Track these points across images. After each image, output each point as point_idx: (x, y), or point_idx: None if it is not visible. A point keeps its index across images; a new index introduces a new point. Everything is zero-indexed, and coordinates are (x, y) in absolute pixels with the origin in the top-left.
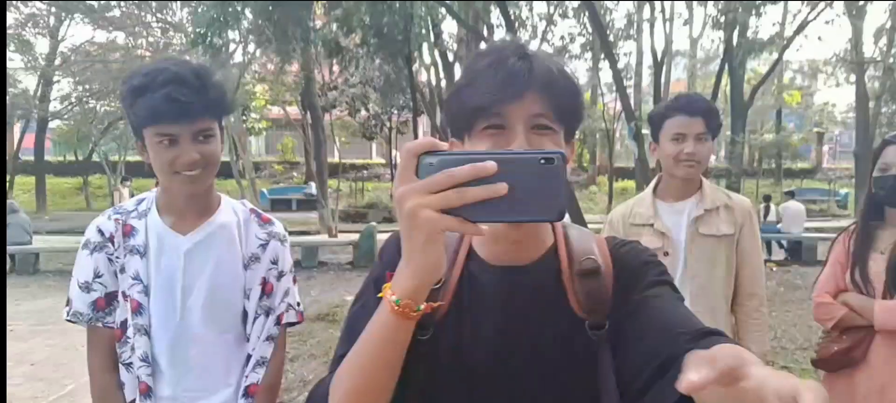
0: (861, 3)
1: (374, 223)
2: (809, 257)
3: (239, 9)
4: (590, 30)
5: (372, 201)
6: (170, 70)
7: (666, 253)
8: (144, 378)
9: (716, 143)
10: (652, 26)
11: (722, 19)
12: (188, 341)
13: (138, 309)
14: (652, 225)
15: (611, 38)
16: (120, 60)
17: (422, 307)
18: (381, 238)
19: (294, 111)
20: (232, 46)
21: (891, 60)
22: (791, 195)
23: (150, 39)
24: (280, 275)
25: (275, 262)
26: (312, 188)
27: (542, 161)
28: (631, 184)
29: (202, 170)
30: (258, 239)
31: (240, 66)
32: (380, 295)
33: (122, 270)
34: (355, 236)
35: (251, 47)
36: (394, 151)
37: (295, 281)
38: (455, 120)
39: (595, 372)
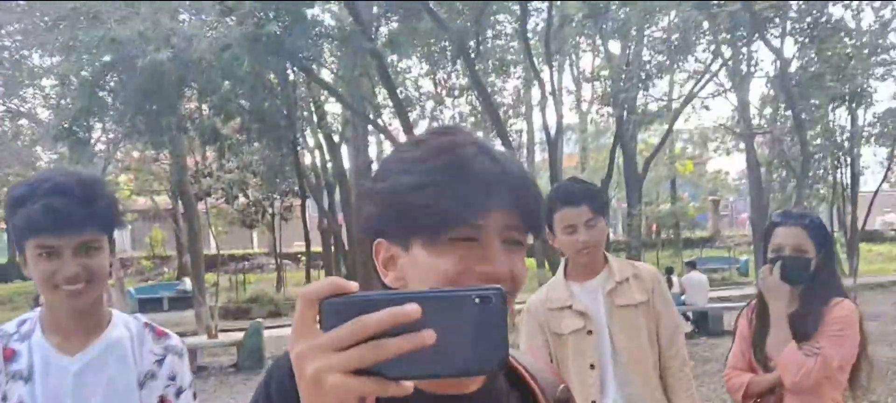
0: (743, 74)
1: (259, 319)
2: (716, 327)
3: (108, 99)
4: (480, 109)
5: (255, 295)
6: (53, 180)
7: (589, 332)
8: None
9: (610, 216)
10: (543, 105)
11: (610, 96)
12: None
13: None
14: (570, 306)
15: (500, 116)
16: None
17: None
18: (269, 336)
19: (163, 201)
20: (95, 135)
21: (777, 127)
22: (692, 265)
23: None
24: (179, 392)
25: (173, 378)
26: (186, 284)
27: (478, 300)
28: (531, 262)
29: (85, 285)
30: (153, 355)
31: (103, 155)
32: None
33: (5, 398)
34: (239, 335)
35: (111, 137)
36: (277, 239)
37: (195, 396)
38: (400, 222)
39: None
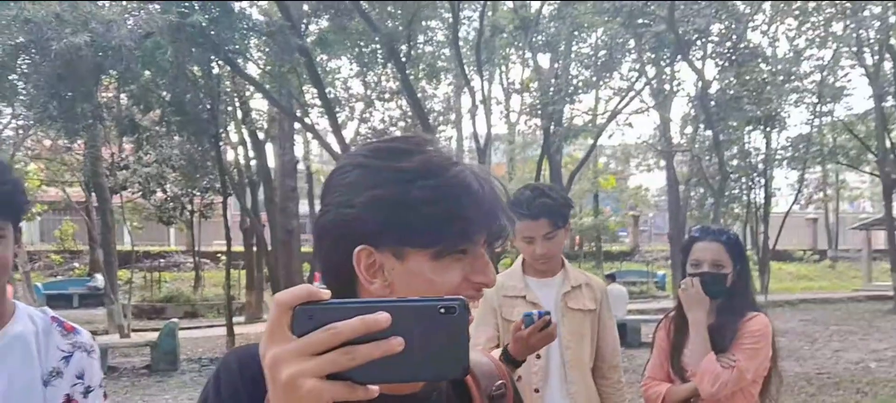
0: (666, 94)
1: (174, 319)
2: (633, 339)
3: (18, 83)
4: (410, 113)
5: (170, 294)
6: None
7: None
8: None
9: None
10: (473, 113)
11: (538, 107)
12: None
13: None
14: (524, 297)
15: (431, 121)
16: None
17: None
18: (184, 337)
19: (75, 193)
20: (3, 121)
21: (696, 146)
22: (612, 278)
23: None
24: (87, 391)
25: (80, 376)
26: (98, 280)
27: (443, 310)
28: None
29: None
30: (60, 351)
31: (12, 142)
32: None
33: None
34: (153, 335)
35: (22, 121)
36: (196, 236)
37: (105, 396)
38: (400, 232)
39: None
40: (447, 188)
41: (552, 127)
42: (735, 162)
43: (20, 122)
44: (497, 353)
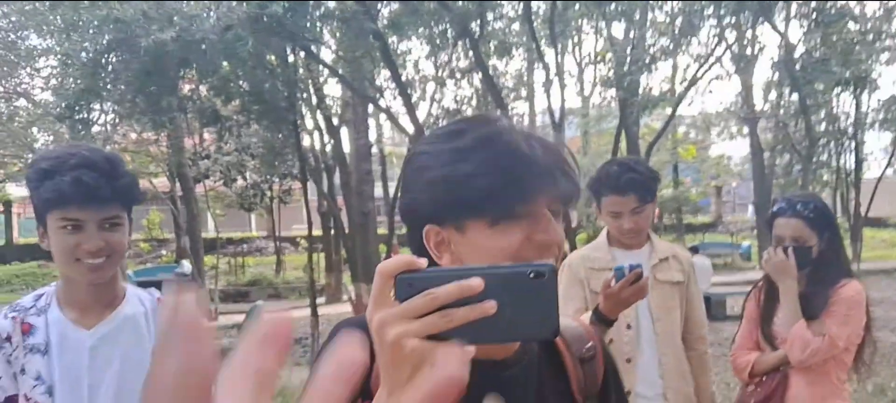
0: (748, 56)
1: (259, 302)
2: (719, 313)
3: (110, 80)
4: (481, 92)
5: (254, 278)
6: (81, 154)
7: None
8: None
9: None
10: (548, 87)
11: (614, 78)
12: None
13: None
14: (611, 269)
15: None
16: None
17: None
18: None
19: (160, 183)
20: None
21: (781, 112)
22: (695, 251)
23: None
24: None
25: None
26: (185, 267)
27: (532, 275)
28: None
29: (106, 260)
30: None
31: (101, 137)
32: None
33: (23, 371)
34: (240, 317)
35: (110, 118)
36: (276, 222)
37: None
38: (456, 208)
39: None
40: (495, 157)
41: (628, 97)
42: (822, 127)
43: (109, 117)
44: (587, 318)
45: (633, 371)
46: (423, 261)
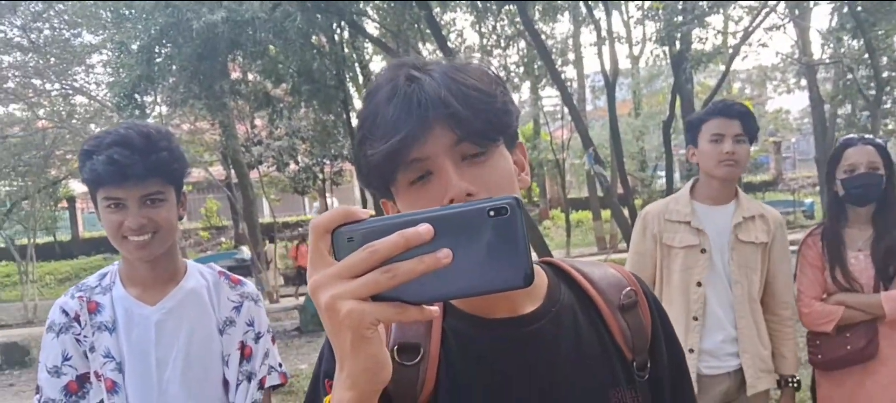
0: (804, 3)
1: None
2: None
3: (165, 65)
4: (526, 59)
5: None
6: (117, 132)
7: (703, 251)
8: None
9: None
10: (599, 46)
11: (665, 35)
12: None
13: (113, 388)
14: (689, 222)
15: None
16: (19, 134)
17: None
18: None
19: (216, 171)
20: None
21: (844, 58)
22: None
23: (55, 109)
24: (257, 337)
25: (251, 324)
26: (244, 252)
27: (491, 212)
28: (586, 214)
29: (151, 236)
30: (231, 302)
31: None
32: None
33: (92, 349)
34: (299, 299)
35: (164, 108)
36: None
37: (274, 340)
38: (371, 181)
39: None
40: (368, 121)
41: (681, 51)
42: (885, 74)
43: (164, 110)
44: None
45: (700, 330)
46: (366, 212)
